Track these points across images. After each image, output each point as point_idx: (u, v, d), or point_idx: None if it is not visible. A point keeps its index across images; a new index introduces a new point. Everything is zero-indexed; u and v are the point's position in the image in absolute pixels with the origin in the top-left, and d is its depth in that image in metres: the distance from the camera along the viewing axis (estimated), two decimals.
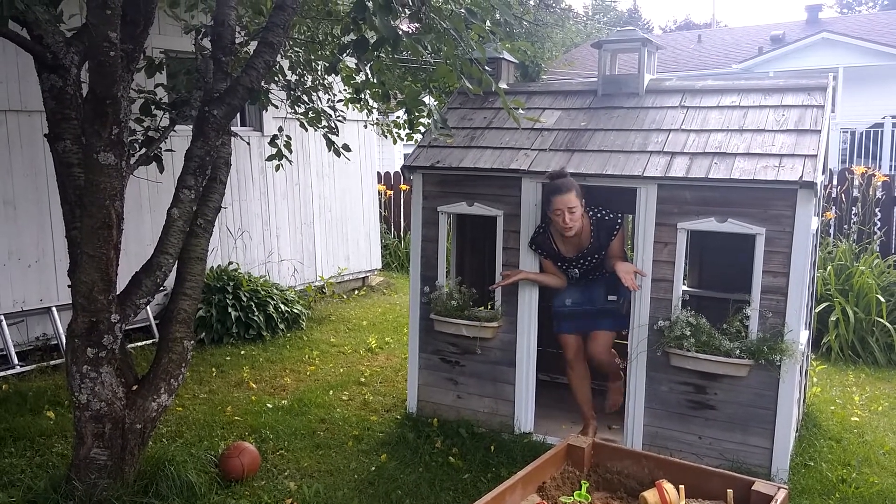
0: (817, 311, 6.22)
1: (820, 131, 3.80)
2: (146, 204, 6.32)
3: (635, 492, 2.89)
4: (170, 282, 3.55)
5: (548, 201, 3.85)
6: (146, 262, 3.45)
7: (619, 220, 4.05)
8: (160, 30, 6.17)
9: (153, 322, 6.24)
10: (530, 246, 4.15)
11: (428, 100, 6.14)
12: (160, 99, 4.09)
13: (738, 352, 3.69)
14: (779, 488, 2.67)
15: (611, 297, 4.13)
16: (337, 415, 4.74)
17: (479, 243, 5.21)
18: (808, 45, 18.23)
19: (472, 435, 4.32)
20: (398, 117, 7.64)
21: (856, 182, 7.63)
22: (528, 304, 4.26)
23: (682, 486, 2.73)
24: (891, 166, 14.63)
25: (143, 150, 3.86)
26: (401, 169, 4.73)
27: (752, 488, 2.69)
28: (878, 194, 7.53)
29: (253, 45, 3.83)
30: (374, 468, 3.96)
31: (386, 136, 7.77)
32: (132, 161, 3.63)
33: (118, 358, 3.35)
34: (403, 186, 11.48)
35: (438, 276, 4.52)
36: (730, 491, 2.68)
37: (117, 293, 3.32)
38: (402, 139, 7.54)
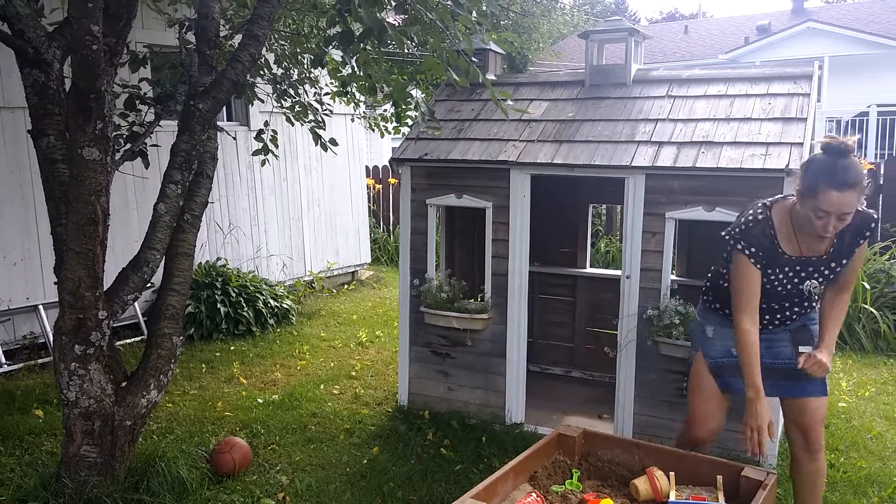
0: None
1: (806, 119, 3.82)
2: (132, 200, 6.28)
3: (626, 479, 2.90)
4: (157, 278, 3.53)
5: (812, 191, 2.51)
6: (133, 257, 3.43)
7: (875, 221, 2.78)
8: (143, 24, 6.12)
9: (141, 319, 6.21)
10: (737, 243, 2.73)
11: (415, 92, 6.13)
12: (144, 94, 4.06)
13: None
14: (768, 473, 2.69)
15: (803, 349, 2.95)
16: (328, 409, 4.73)
17: (469, 235, 5.21)
18: (793, 34, 18.30)
19: (463, 426, 4.33)
20: (385, 110, 7.62)
21: None
22: (518, 296, 4.27)
23: (672, 473, 2.75)
24: (876, 154, 14.74)
25: (128, 146, 3.83)
26: (389, 161, 4.73)
27: (742, 474, 2.71)
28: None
29: (238, 39, 3.80)
30: (366, 461, 3.96)
31: (373, 130, 7.74)
32: (117, 156, 3.60)
33: (106, 355, 3.33)
34: (392, 180, 11.45)
35: (428, 268, 4.52)
36: (719, 477, 2.69)
37: (104, 290, 3.29)
38: (389, 133, 7.52)
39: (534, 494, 2.61)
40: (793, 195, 2.70)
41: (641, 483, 2.78)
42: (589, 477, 3.00)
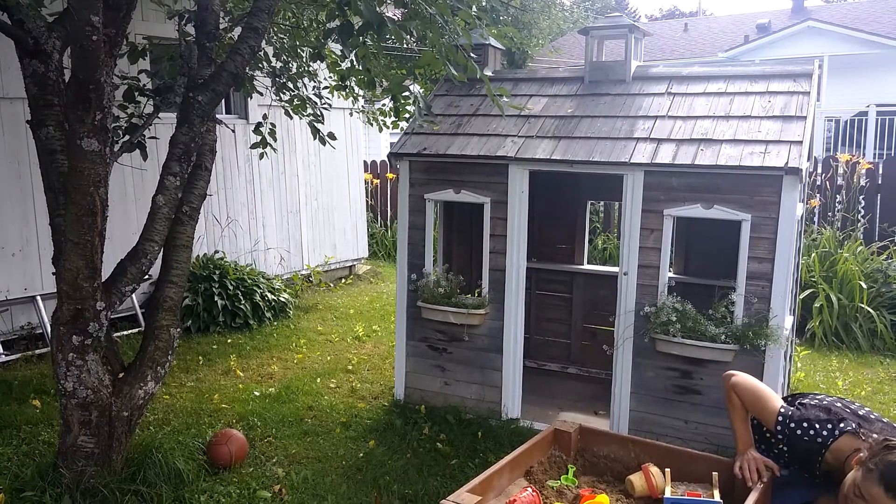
0: (802, 297, 6.28)
1: (805, 118, 3.82)
2: (131, 192, 6.27)
3: (622, 475, 2.92)
4: (155, 270, 3.53)
5: (869, 472, 2.30)
6: (131, 249, 3.42)
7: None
8: (143, 15, 6.10)
9: (139, 311, 6.21)
10: (779, 433, 2.65)
11: (414, 87, 6.11)
12: (144, 85, 4.05)
13: (723, 337, 3.72)
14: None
15: None
16: (324, 402, 4.74)
17: (466, 231, 5.21)
18: (793, 33, 18.28)
19: (459, 421, 4.33)
20: (384, 105, 7.61)
21: (840, 170, 7.70)
22: (516, 292, 4.27)
23: (668, 470, 2.76)
24: (875, 154, 14.75)
25: (127, 137, 3.83)
26: (387, 156, 4.72)
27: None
28: (862, 182, 7.60)
29: (237, 31, 3.80)
30: (361, 454, 3.97)
31: (372, 124, 7.75)
32: (116, 148, 3.59)
33: (104, 346, 3.33)
34: (390, 175, 11.45)
35: (425, 263, 4.52)
36: (715, 474, 2.70)
37: (102, 281, 3.29)
38: (387, 127, 7.52)
39: (529, 489, 2.62)
40: (868, 443, 2.45)
41: (637, 479, 2.80)
42: (584, 472, 3.01)
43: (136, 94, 4.00)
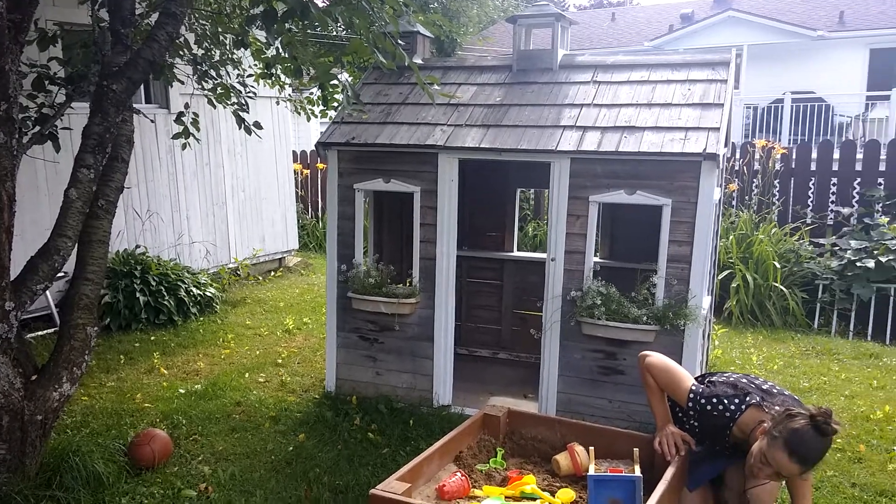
0: (720, 278, 6.54)
1: (723, 105, 3.96)
2: (43, 185, 5.99)
3: (548, 456, 2.98)
4: (70, 267, 3.39)
5: (774, 441, 2.48)
6: (43, 245, 3.27)
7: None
8: (54, 1, 5.81)
9: (54, 310, 5.94)
10: (690, 409, 2.81)
11: (342, 76, 6.03)
12: (55, 74, 3.87)
13: (645, 318, 3.83)
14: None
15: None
16: (253, 397, 4.66)
17: (397, 220, 5.19)
18: (715, 22, 18.84)
19: (390, 410, 4.33)
20: (311, 94, 7.49)
21: (757, 155, 8.01)
22: (446, 280, 4.29)
23: (592, 448, 2.84)
24: (790, 140, 15.39)
25: (37, 128, 3.65)
26: (315, 146, 4.65)
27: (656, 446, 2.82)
28: (777, 166, 7.93)
29: (154, 17, 3.66)
30: (291, 448, 3.92)
31: (299, 113, 7.60)
32: (24, 140, 3.42)
33: (15, 347, 3.17)
34: (320, 165, 11.30)
35: (356, 254, 4.49)
36: (636, 450, 2.79)
37: (11, 279, 3.14)
38: (316, 116, 7.39)
39: (458, 474, 2.64)
40: (770, 414, 2.62)
41: (563, 458, 2.86)
42: (513, 455, 3.06)
43: (47, 82, 3.81)
